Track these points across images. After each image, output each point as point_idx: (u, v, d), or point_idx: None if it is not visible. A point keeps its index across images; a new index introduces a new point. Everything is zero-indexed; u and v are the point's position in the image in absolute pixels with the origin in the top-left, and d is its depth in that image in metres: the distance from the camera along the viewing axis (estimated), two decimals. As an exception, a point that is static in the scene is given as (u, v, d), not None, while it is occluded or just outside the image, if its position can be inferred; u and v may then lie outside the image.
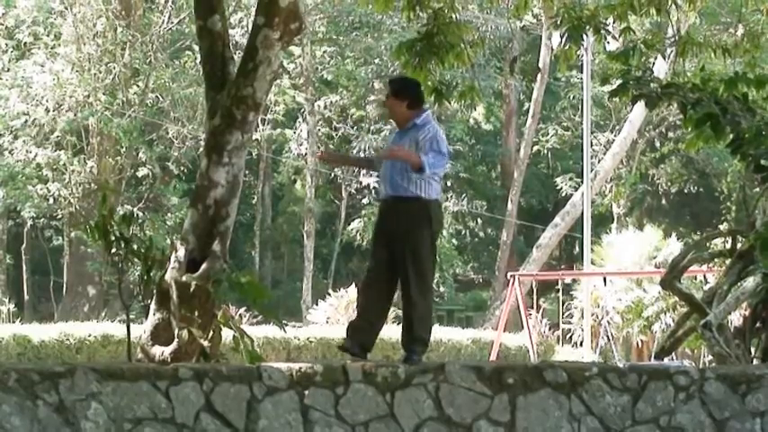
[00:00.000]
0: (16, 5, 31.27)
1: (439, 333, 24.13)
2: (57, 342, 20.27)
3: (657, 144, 40.11)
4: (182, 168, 32.88)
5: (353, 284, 26.04)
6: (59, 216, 32.45)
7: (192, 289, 8.64)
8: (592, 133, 31.17)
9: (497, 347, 24.10)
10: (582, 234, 28.41)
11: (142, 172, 32.44)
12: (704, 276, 20.09)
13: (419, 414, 7.88)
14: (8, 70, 30.87)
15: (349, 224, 37.66)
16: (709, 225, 37.63)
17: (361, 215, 37.01)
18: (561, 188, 38.89)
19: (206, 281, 8.69)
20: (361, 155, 31.20)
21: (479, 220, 43.98)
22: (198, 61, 27.04)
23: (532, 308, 26.07)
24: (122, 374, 7.40)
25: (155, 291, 8.87)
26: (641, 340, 25.97)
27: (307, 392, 7.72)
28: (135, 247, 8.65)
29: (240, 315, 21.27)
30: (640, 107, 25.70)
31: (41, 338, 20.17)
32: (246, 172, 22.83)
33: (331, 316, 26.18)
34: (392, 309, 9.21)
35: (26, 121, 30.09)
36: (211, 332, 8.71)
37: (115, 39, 30.81)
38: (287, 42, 9.60)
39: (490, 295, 36.96)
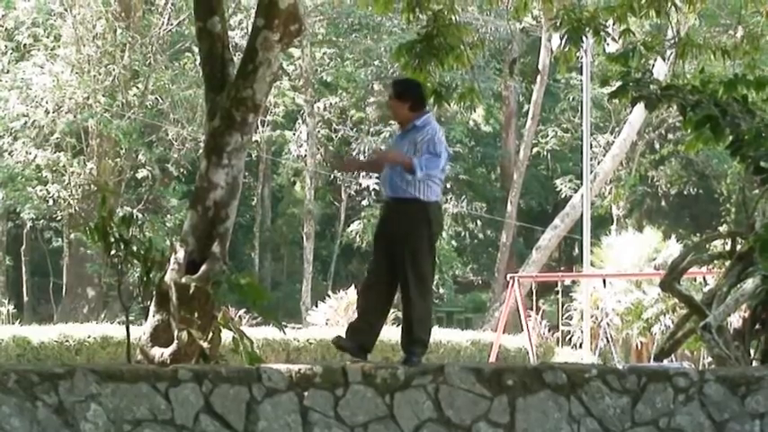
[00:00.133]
0: (16, 7, 31.27)
1: (438, 334, 24.14)
2: (56, 343, 20.28)
3: (657, 146, 40.13)
4: (181, 170, 32.88)
5: (353, 286, 26.05)
6: (59, 218, 32.44)
7: (191, 290, 8.63)
8: (591, 135, 31.19)
9: (497, 349, 24.10)
10: (581, 236, 28.43)
11: (142, 173, 32.42)
12: (704, 278, 20.07)
13: (418, 415, 7.88)
14: (8, 72, 30.87)
15: (348, 226, 37.66)
16: (708, 227, 37.62)
17: (360, 217, 37.01)
18: (561, 190, 38.89)
19: (205, 282, 8.68)
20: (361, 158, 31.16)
21: (479, 222, 43.97)
22: (197, 63, 27.01)
23: (532, 309, 26.07)
24: (122, 376, 7.40)
25: (154, 292, 8.87)
26: (641, 342, 25.97)
27: (306, 394, 7.72)
28: (134, 248, 8.64)
29: (240, 316, 21.27)
30: (640, 109, 25.73)
31: (41, 340, 20.18)
32: (246, 174, 22.81)
33: (330, 318, 26.18)
34: (392, 310, 9.22)
35: (26, 122, 30.09)
36: (211, 334, 8.70)
37: (115, 40, 30.82)
38: (287, 44, 9.60)
39: (489, 297, 36.95)
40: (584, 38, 12.01)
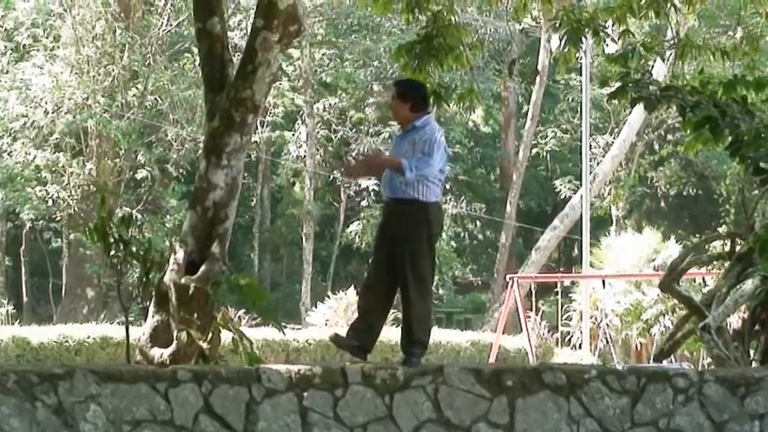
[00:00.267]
0: (15, 8, 31.28)
1: (438, 335, 24.15)
2: (56, 344, 20.30)
3: (656, 147, 40.13)
4: (181, 170, 32.88)
5: (352, 287, 26.06)
6: (58, 218, 32.44)
7: (190, 291, 8.63)
8: (591, 136, 31.20)
9: (496, 350, 24.11)
10: (581, 236, 28.44)
11: (141, 174, 32.43)
12: (703, 279, 20.07)
13: (418, 416, 7.88)
14: (7, 72, 30.88)
15: (348, 226, 37.65)
16: (707, 228, 37.60)
17: (359, 217, 37.01)
18: (560, 191, 38.89)
19: (205, 283, 8.68)
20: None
21: (478, 223, 43.97)
22: (197, 63, 27.05)
23: (531, 310, 26.09)
24: (121, 376, 7.40)
25: (153, 293, 8.86)
26: (640, 343, 25.97)
27: (305, 394, 7.72)
28: (134, 249, 8.64)
29: (239, 317, 21.28)
30: (639, 110, 25.75)
31: (40, 340, 20.20)
32: (245, 174, 22.85)
33: (330, 318, 26.19)
34: (392, 311, 9.22)
35: (25, 123, 30.10)
36: (210, 334, 8.70)
37: (114, 41, 30.83)
38: (286, 45, 9.60)
39: (489, 298, 36.96)
40: (583, 39, 12.02)
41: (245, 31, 29.82)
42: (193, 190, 9.39)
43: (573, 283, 29.43)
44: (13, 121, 30.00)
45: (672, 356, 14.04)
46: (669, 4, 12.02)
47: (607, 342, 23.99)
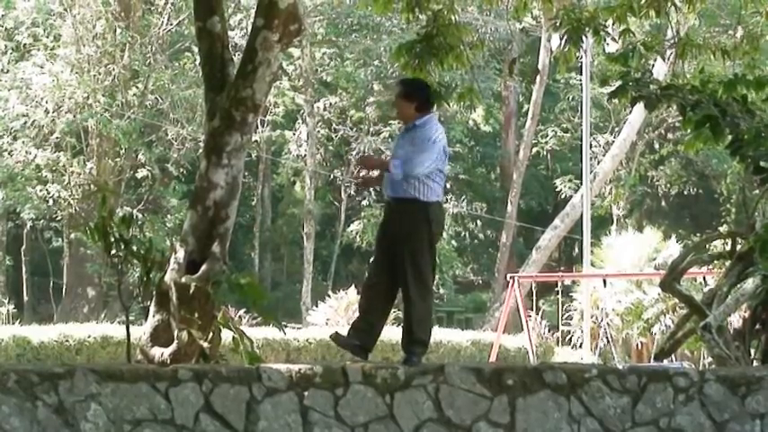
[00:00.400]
0: (15, 7, 31.27)
1: (439, 334, 24.15)
2: (56, 343, 20.31)
3: (657, 146, 40.11)
4: (181, 170, 32.88)
5: (353, 286, 26.06)
6: (59, 217, 32.44)
7: (191, 290, 8.63)
8: (591, 135, 31.17)
9: (497, 349, 24.11)
10: (581, 236, 28.42)
11: (141, 173, 32.43)
12: (704, 278, 20.08)
13: (419, 415, 7.88)
14: (7, 72, 30.87)
15: (348, 226, 37.64)
16: (708, 227, 37.58)
17: (360, 217, 37.00)
18: (561, 190, 38.86)
19: (205, 282, 8.68)
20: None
21: (479, 222, 43.96)
22: (197, 63, 27.05)
23: (532, 309, 26.09)
24: (122, 376, 7.40)
25: (154, 292, 8.86)
26: (641, 342, 25.97)
27: (306, 394, 7.72)
28: (134, 248, 8.64)
29: (240, 316, 21.29)
30: (640, 109, 25.73)
31: (41, 340, 20.21)
32: (246, 173, 22.84)
33: (330, 317, 26.18)
34: (393, 310, 9.22)
35: (25, 122, 30.09)
36: (211, 333, 8.70)
37: (114, 40, 30.82)
38: (286, 44, 9.59)
39: (490, 297, 36.96)
40: (583, 38, 12.00)
41: (245, 31, 29.82)
42: (194, 189, 9.38)
43: (573, 282, 29.43)
44: (14, 120, 29.99)
45: (672, 356, 14.05)
46: (669, 4, 12.01)
47: (608, 341, 24.00)
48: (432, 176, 8.59)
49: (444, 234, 34.00)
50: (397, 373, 7.94)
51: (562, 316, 27.89)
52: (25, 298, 35.71)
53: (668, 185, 41.11)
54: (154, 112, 32.41)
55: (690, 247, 13.46)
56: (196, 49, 22.57)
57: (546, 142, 39.60)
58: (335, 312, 26.26)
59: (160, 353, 8.62)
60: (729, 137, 10.12)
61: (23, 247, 36.20)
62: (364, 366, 7.98)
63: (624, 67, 11.11)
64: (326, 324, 25.67)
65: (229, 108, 9.20)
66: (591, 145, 31.15)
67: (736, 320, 10.71)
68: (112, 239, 8.59)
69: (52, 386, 7.21)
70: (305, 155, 36.08)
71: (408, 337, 8.58)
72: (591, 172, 29.64)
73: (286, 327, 13.76)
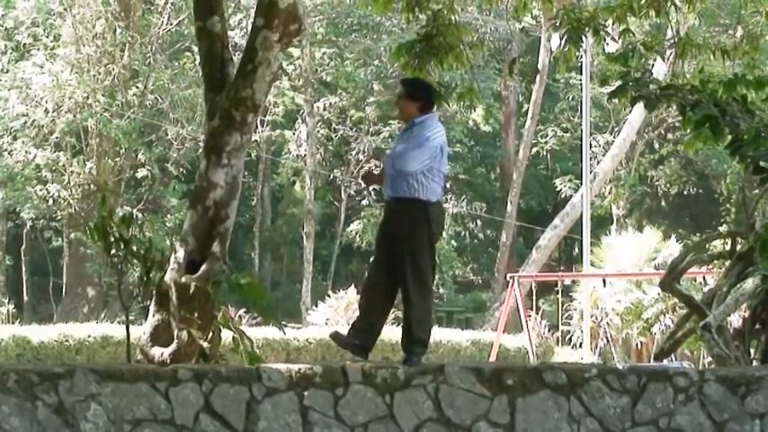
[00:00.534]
0: (15, 7, 31.27)
1: (438, 334, 24.15)
2: (56, 343, 20.30)
3: (656, 145, 40.11)
4: (181, 170, 32.87)
5: (353, 286, 26.05)
6: (59, 217, 32.43)
7: (191, 290, 8.63)
8: (591, 135, 31.18)
9: (497, 349, 24.11)
10: (581, 235, 28.42)
11: (141, 173, 32.42)
12: (704, 278, 20.09)
13: (418, 415, 7.88)
14: (7, 71, 30.86)
15: (348, 226, 37.63)
16: (708, 227, 37.56)
17: (360, 217, 36.99)
18: (560, 190, 38.85)
19: (205, 282, 8.68)
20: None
21: (479, 222, 43.97)
22: (197, 63, 27.07)
23: (532, 309, 26.09)
24: (122, 375, 7.40)
25: (154, 292, 8.87)
26: (641, 342, 25.97)
27: (306, 393, 7.72)
28: (134, 248, 8.64)
29: (240, 316, 21.27)
30: (639, 109, 25.72)
31: (41, 339, 20.21)
32: (246, 173, 22.81)
33: (330, 317, 26.18)
34: (393, 310, 9.22)
35: (25, 122, 30.08)
36: (211, 333, 8.70)
37: (114, 40, 30.81)
38: (286, 44, 9.60)
39: (489, 297, 36.95)
40: (583, 38, 12.00)
41: (245, 30, 29.82)
42: (194, 189, 9.39)
43: (573, 282, 29.43)
44: (14, 120, 29.98)
45: (672, 355, 14.05)
46: (669, 3, 12.01)
47: (607, 341, 24.00)
48: (431, 176, 8.59)
49: (444, 234, 34.00)
50: (396, 373, 7.95)
51: (562, 316, 27.89)
52: (25, 298, 35.70)
53: (668, 185, 41.10)
54: (154, 111, 32.40)
55: (690, 246, 13.45)
56: (196, 49, 22.59)
57: (546, 142, 39.58)
58: (335, 312, 26.25)
59: (160, 353, 8.62)
60: (729, 137, 10.12)
61: (23, 246, 36.19)
62: (364, 366, 7.98)
63: (624, 67, 11.11)
64: (326, 324, 25.66)
65: (229, 108, 9.20)
66: (591, 145, 31.15)
67: (735, 320, 10.71)
68: (112, 239, 8.59)
69: (52, 386, 7.21)
70: (305, 155, 36.08)
71: (408, 337, 8.58)
72: (591, 172, 29.64)
73: (286, 327, 13.77)
